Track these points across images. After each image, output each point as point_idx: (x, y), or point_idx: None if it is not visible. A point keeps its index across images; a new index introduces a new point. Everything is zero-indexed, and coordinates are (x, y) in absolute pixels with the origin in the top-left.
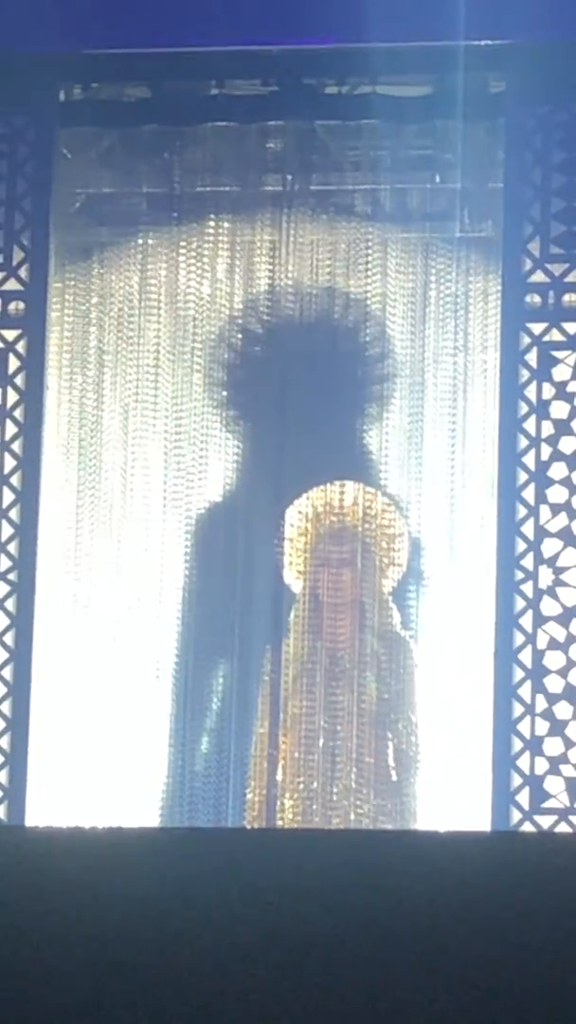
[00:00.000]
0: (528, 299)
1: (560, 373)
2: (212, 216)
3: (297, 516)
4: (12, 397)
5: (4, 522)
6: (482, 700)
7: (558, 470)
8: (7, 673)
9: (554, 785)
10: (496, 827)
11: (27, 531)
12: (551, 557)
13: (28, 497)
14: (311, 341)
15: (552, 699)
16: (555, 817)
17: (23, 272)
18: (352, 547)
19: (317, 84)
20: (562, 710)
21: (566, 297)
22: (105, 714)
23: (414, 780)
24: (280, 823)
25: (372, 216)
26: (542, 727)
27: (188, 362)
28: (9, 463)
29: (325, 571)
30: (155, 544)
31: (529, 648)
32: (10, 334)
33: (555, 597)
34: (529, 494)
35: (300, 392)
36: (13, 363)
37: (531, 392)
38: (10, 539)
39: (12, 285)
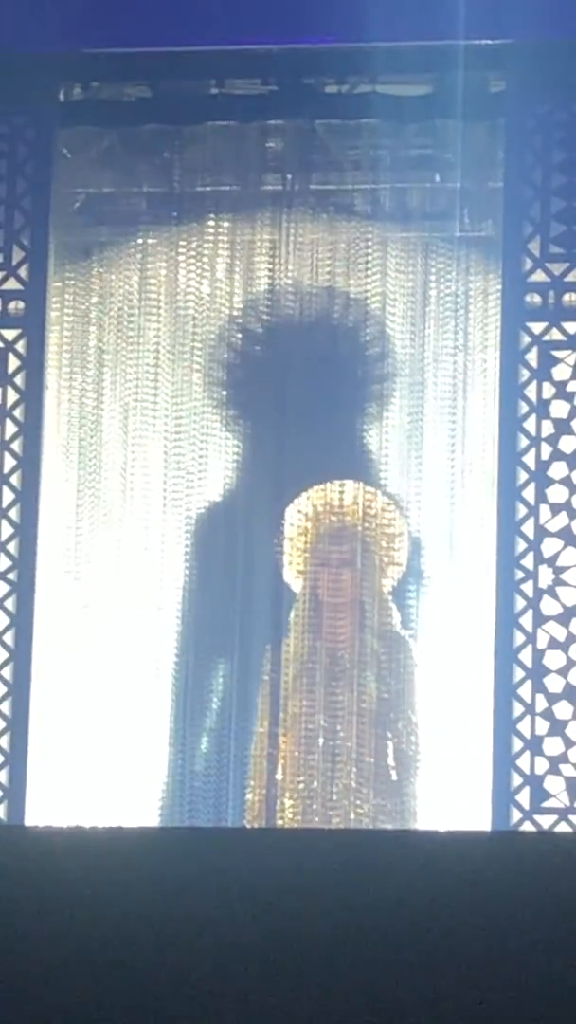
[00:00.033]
0: (528, 298)
1: (560, 372)
2: (212, 215)
3: (297, 515)
4: (12, 396)
5: (4, 521)
6: (482, 700)
7: (558, 469)
8: (7, 673)
9: (554, 785)
10: (496, 827)
11: (27, 530)
12: (551, 556)
13: (28, 496)
14: (311, 340)
15: (552, 699)
16: (555, 817)
17: (23, 271)
18: (352, 546)
19: (317, 83)
20: (562, 710)
21: (566, 296)
22: (105, 714)
23: (414, 780)
24: (280, 823)
25: (372, 215)
26: (542, 727)
27: (188, 361)
28: (9, 462)
29: (325, 570)
30: (155, 543)
31: (529, 647)
32: (10, 333)
33: (555, 596)
34: (529, 493)
35: (300, 391)
36: (13, 362)
37: (531, 391)
38: (10, 538)
39: (12, 284)
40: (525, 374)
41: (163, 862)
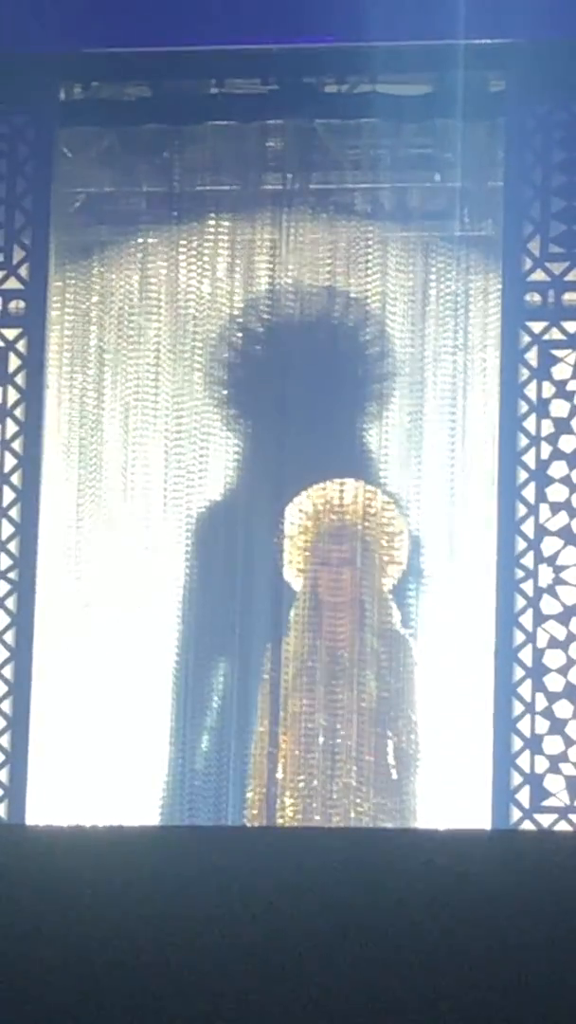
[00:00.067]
0: (528, 298)
1: (560, 372)
2: (212, 215)
3: (297, 514)
4: (12, 396)
5: (5, 521)
6: (482, 698)
7: (558, 468)
8: (8, 672)
9: (554, 783)
10: (496, 825)
11: (27, 530)
12: (551, 555)
13: (29, 496)
14: (311, 340)
15: (552, 697)
16: (555, 815)
17: (23, 271)
18: (352, 545)
19: (317, 83)
20: (562, 708)
21: (566, 296)
22: (105, 712)
23: (414, 778)
24: (280, 821)
25: (372, 215)
26: (542, 725)
27: (188, 361)
28: (10, 462)
29: (325, 569)
30: (155, 542)
31: (529, 646)
32: (10, 333)
33: (555, 595)
34: (529, 492)
35: (300, 390)
36: (13, 362)
37: (531, 391)
38: (11, 538)
39: (12, 284)
40: (525, 373)
41: (163, 861)
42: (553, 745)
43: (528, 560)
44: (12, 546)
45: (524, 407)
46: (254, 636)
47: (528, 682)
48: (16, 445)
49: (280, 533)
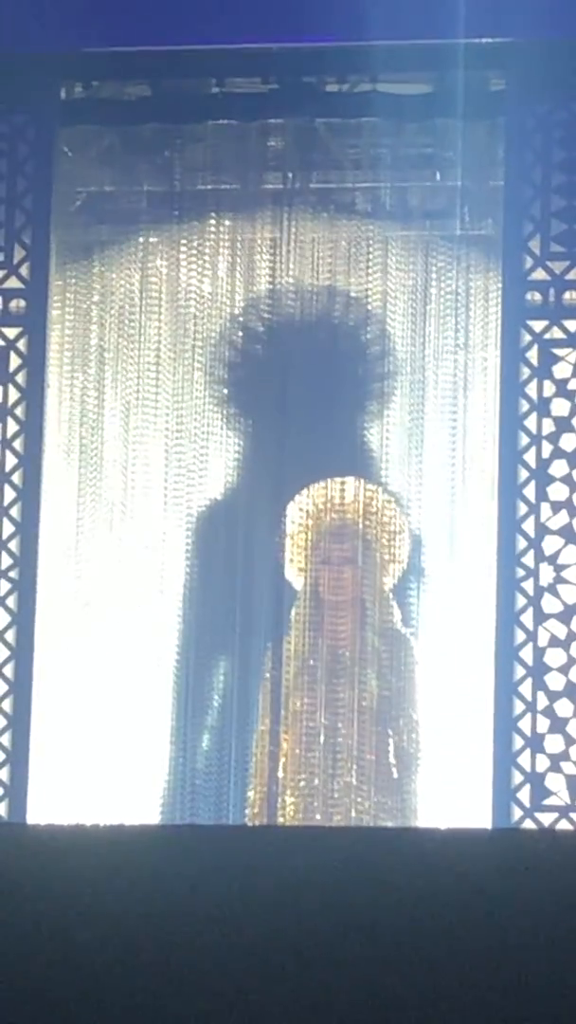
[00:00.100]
0: (528, 297)
1: (561, 371)
2: (213, 214)
3: (298, 513)
4: (13, 395)
5: (5, 520)
6: (483, 697)
7: (559, 467)
8: (8, 671)
9: (555, 782)
10: (497, 824)
11: (28, 529)
12: (552, 554)
13: (29, 495)
14: (312, 339)
15: (553, 696)
16: (556, 814)
17: (24, 270)
18: (353, 544)
19: (317, 82)
20: (563, 707)
21: (566, 295)
22: (106, 712)
23: (415, 777)
24: (281, 820)
25: (373, 214)
26: (543, 724)
27: (189, 360)
28: (10, 461)
29: (326, 568)
30: (156, 541)
31: (530, 645)
32: (11, 332)
33: (556, 594)
34: (530, 491)
35: (301, 390)
36: (14, 361)
37: (532, 390)
38: (11, 537)
39: (13, 283)
40: (526, 372)
41: (164, 860)
42: (554, 744)
43: (529, 559)
44: (13, 545)
45: (525, 406)
46: (255, 635)
47: (529, 681)
48: (17, 444)
49: (281, 532)
